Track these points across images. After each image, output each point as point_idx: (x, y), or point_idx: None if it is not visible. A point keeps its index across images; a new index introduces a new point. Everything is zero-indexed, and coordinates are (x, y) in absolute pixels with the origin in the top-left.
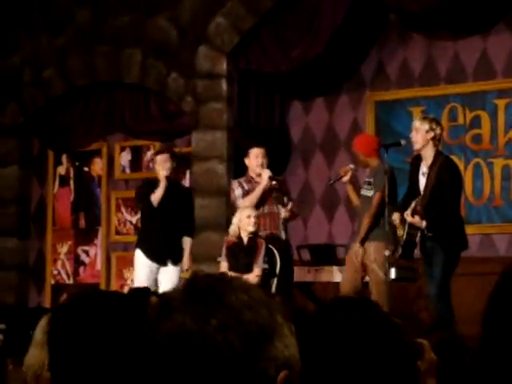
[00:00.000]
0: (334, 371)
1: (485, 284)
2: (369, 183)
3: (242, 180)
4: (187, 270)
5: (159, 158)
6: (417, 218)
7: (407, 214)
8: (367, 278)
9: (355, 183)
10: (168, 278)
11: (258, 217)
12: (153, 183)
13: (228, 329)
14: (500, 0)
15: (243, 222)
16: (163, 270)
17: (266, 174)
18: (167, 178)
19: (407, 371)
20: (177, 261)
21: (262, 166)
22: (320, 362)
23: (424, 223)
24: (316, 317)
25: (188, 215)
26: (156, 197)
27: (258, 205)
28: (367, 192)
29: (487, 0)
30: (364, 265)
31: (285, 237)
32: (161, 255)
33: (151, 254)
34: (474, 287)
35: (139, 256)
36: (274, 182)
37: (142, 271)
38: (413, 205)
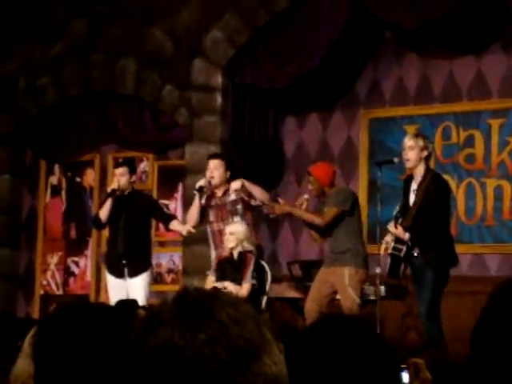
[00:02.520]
0: None
1: (476, 303)
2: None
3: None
4: (194, 227)
5: (116, 171)
6: (400, 229)
7: (391, 226)
8: (338, 298)
9: None
10: (135, 290)
11: (212, 234)
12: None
13: (216, 343)
14: (495, 20)
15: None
16: (130, 282)
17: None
18: (129, 190)
19: None
20: (139, 272)
21: (213, 178)
22: (309, 379)
23: (407, 235)
24: (306, 335)
25: (159, 213)
26: (102, 212)
27: (202, 220)
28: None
29: (482, 20)
30: (334, 288)
31: (249, 247)
32: (122, 270)
33: (113, 270)
34: (465, 306)
35: (106, 275)
36: (197, 195)
37: (111, 290)
38: (394, 213)
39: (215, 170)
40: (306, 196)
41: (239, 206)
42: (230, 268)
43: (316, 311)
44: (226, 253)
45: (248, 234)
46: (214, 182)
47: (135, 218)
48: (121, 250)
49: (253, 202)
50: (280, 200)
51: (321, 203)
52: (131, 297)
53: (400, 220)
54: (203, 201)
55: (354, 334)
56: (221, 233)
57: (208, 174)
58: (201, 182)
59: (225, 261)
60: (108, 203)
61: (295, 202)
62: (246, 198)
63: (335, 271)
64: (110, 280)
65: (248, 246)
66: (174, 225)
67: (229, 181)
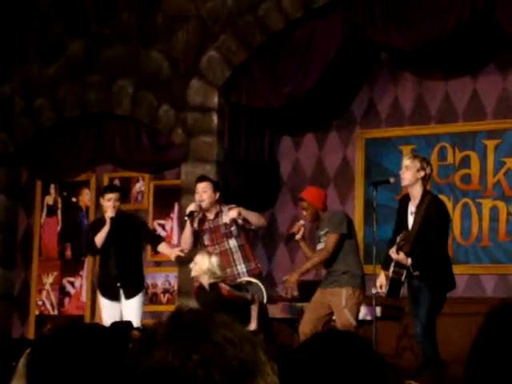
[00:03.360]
0: None
1: (471, 324)
2: (325, 234)
3: (195, 218)
4: (182, 250)
5: (109, 196)
6: (402, 255)
7: (392, 252)
8: (334, 319)
9: (306, 240)
10: (129, 311)
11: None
12: (98, 224)
13: (210, 364)
14: (490, 41)
15: None
16: (124, 304)
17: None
18: (117, 212)
19: None
20: (133, 294)
21: (202, 202)
22: None
23: (409, 261)
24: (298, 353)
25: (147, 235)
26: (99, 238)
27: (212, 241)
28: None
29: (478, 41)
30: (330, 309)
31: (245, 268)
32: (116, 292)
33: (106, 292)
34: (460, 327)
35: (99, 297)
36: (186, 220)
37: (105, 312)
38: (397, 240)
39: (204, 192)
40: (301, 222)
41: (233, 228)
42: (207, 299)
43: (311, 332)
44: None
45: (217, 269)
46: (205, 204)
47: (126, 240)
48: (114, 272)
49: (247, 226)
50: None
51: (315, 228)
52: (125, 318)
53: (398, 242)
54: (195, 225)
55: (348, 350)
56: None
57: (197, 197)
58: (191, 207)
59: (200, 292)
60: (105, 230)
61: (291, 230)
62: (241, 223)
63: (332, 292)
64: (104, 302)
65: (217, 281)
66: (162, 248)
67: (218, 202)
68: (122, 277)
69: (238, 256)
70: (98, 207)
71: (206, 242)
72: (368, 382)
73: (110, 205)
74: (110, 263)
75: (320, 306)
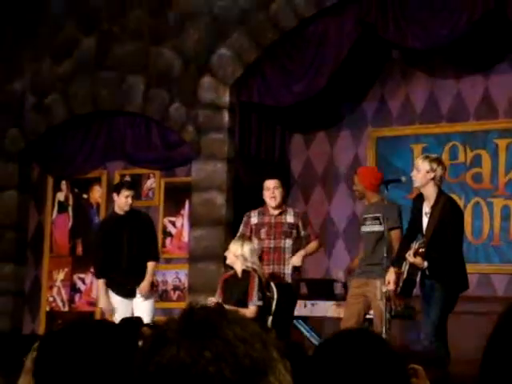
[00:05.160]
0: None
1: (481, 324)
2: (375, 218)
3: (254, 211)
4: (143, 294)
5: (126, 193)
6: (419, 259)
7: (409, 255)
8: (371, 314)
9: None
10: (140, 308)
11: (261, 251)
12: (109, 221)
13: (221, 361)
14: (503, 40)
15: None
16: (136, 301)
17: (270, 201)
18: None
19: None
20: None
21: (274, 198)
22: None
23: (426, 264)
24: (319, 350)
25: (150, 240)
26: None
27: (268, 235)
28: (373, 227)
29: (490, 40)
30: (368, 300)
31: (291, 272)
32: (128, 288)
33: (118, 290)
34: (470, 327)
35: (112, 295)
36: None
37: (118, 309)
38: (416, 246)
39: (275, 189)
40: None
41: (294, 231)
42: (235, 287)
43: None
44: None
45: (249, 254)
46: (277, 201)
47: (136, 237)
48: (126, 269)
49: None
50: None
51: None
52: (136, 315)
53: (416, 247)
54: (256, 220)
55: (365, 349)
56: (270, 251)
57: (268, 194)
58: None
59: (230, 279)
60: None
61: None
62: (303, 234)
63: (369, 283)
64: (115, 299)
65: (251, 265)
66: (149, 266)
67: (284, 199)
68: (133, 274)
69: (289, 257)
70: (109, 204)
71: (263, 236)
72: (387, 380)
73: (127, 201)
74: (122, 260)
75: (358, 299)
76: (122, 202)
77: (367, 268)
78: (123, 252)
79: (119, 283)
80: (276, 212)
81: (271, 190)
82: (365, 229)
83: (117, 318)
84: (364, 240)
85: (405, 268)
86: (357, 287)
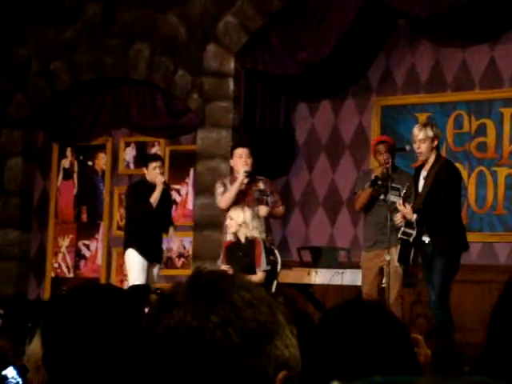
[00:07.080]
0: (338, 371)
1: (484, 292)
2: (397, 189)
3: (226, 180)
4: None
5: (154, 164)
6: (408, 208)
7: (399, 203)
8: (383, 284)
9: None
10: (154, 274)
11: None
12: (144, 184)
13: (228, 325)
14: (508, 9)
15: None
16: (155, 268)
17: (243, 168)
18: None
19: (412, 371)
20: (162, 258)
21: (247, 166)
22: (323, 364)
23: (415, 216)
24: (325, 318)
25: (169, 213)
26: (154, 200)
27: (237, 203)
28: (394, 198)
29: (496, 8)
30: (382, 269)
31: (266, 237)
32: (154, 253)
33: (146, 253)
34: (473, 295)
35: (133, 255)
36: (244, 178)
37: (139, 269)
38: (403, 195)
39: (248, 158)
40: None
41: (268, 198)
42: (239, 253)
43: (371, 293)
44: (230, 238)
45: (250, 220)
46: (249, 169)
47: (162, 206)
48: (156, 235)
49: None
50: (265, 208)
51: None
52: (150, 281)
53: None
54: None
55: (370, 317)
56: None
57: (241, 161)
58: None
59: (233, 246)
60: (159, 191)
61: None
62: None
63: (385, 252)
64: (139, 262)
65: (254, 232)
66: (170, 232)
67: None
68: (159, 240)
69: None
70: (114, 171)
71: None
72: (393, 351)
73: (157, 172)
74: (153, 226)
75: (374, 268)
76: (152, 173)
77: (385, 237)
78: (152, 221)
79: (147, 247)
80: (246, 180)
81: (243, 158)
82: (393, 198)
83: (135, 280)
84: (383, 209)
85: (399, 222)
86: (375, 257)
